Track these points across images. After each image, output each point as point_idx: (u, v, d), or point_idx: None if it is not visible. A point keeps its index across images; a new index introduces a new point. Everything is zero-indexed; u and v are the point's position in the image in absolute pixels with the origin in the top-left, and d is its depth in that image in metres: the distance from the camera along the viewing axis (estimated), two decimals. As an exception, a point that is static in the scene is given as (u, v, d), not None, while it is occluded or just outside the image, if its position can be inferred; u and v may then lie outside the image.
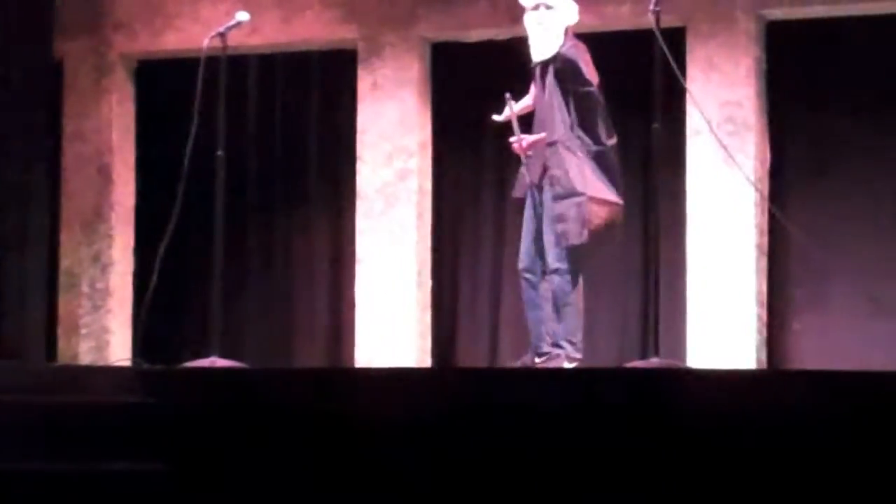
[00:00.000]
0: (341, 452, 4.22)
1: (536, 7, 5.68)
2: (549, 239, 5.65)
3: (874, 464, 3.89)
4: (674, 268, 6.99)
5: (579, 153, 5.59)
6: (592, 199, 5.57)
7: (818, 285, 6.99)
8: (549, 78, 5.64)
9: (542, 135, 5.68)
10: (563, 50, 5.62)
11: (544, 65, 5.68)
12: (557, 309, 5.63)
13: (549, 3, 5.65)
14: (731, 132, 7.00)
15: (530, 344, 5.84)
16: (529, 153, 5.76)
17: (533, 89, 5.84)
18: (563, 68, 5.61)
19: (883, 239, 6.94)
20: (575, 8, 5.73)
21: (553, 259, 5.63)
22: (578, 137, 5.59)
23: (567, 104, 5.61)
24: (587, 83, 5.59)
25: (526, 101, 5.90)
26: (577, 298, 5.64)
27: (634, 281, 7.25)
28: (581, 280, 5.67)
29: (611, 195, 5.61)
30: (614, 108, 6.93)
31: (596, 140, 5.61)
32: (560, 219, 5.58)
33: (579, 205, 5.54)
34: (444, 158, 7.71)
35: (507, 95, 5.80)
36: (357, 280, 7.59)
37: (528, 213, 5.79)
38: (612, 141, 5.67)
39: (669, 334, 6.74)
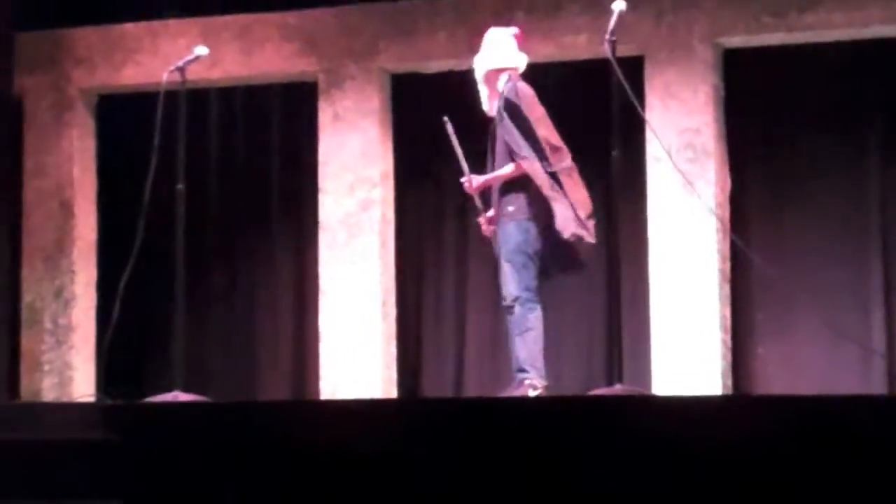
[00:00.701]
0: (306, 485, 4.19)
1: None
2: (505, 269, 5.71)
3: (837, 485, 3.89)
4: (637, 295, 7.01)
5: (532, 185, 5.63)
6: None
7: (781, 310, 7.02)
8: (499, 123, 5.77)
9: (492, 175, 5.82)
10: (505, 93, 5.76)
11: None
12: (517, 336, 5.65)
13: (479, 75, 5.88)
14: (691, 159, 7.03)
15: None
16: (476, 198, 5.91)
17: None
18: (505, 108, 5.74)
19: (843, 263, 6.97)
20: (513, 56, 5.84)
21: (512, 289, 5.66)
22: (532, 165, 5.63)
23: (516, 140, 5.68)
24: (526, 119, 5.69)
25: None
26: (536, 324, 5.65)
27: (599, 308, 7.26)
28: (540, 307, 5.68)
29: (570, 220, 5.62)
30: (575, 137, 6.95)
31: (546, 165, 5.66)
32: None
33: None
34: (406, 188, 7.71)
35: (445, 118, 5.88)
36: (321, 311, 7.56)
37: (495, 248, 5.84)
38: (563, 164, 5.68)
39: (634, 361, 6.75)
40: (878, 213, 6.96)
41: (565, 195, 5.63)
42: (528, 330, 5.65)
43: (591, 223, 5.65)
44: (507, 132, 5.73)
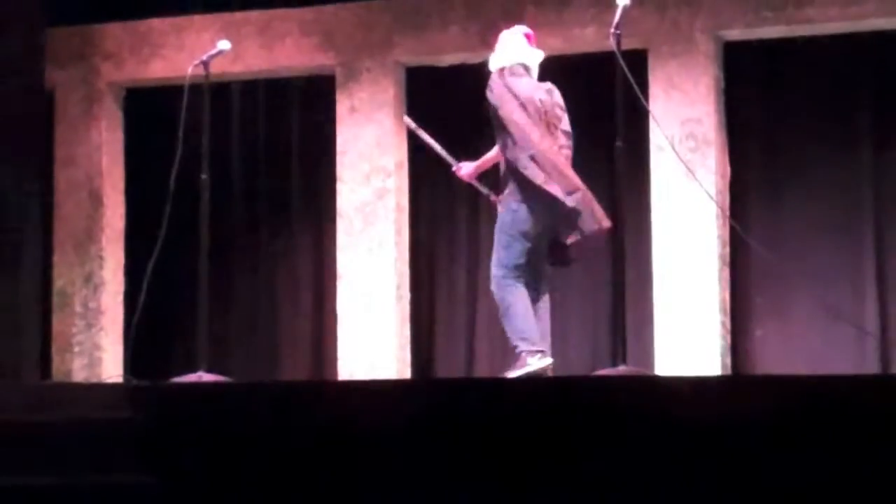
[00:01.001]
0: (324, 462, 4.20)
1: None
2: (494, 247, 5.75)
3: (833, 463, 3.90)
4: (640, 279, 7.00)
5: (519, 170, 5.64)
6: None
7: (778, 293, 7.01)
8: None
9: (479, 161, 5.94)
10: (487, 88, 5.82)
11: None
12: (501, 315, 5.66)
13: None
14: (693, 148, 7.02)
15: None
16: (474, 181, 5.99)
17: None
18: (484, 101, 5.81)
19: (837, 248, 6.96)
20: (512, 54, 5.79)
21: (491, 267, 5.70)
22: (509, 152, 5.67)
23: (495, 129, 5.74)
24: (496, 109, 5.72)
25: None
26: (516, 299, 5.61)
27: (604, 292, 7.25)
28: (520, 283, 5.62)
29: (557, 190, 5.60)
30: (581, 126, 6.94)
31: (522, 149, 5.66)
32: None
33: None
34: (419, 177, 7.70)
35: (405, 117, 6.05)
36: (339, 295, 7.57)
37: None
38: (538, 147, 5.65)
39: (637, 343, 6.75)
40: (872, 199, 6.95)
41: (557, 177, 5.59)
42: (509, 306, 5.61)
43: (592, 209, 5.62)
44: (492, 122, 5.78)
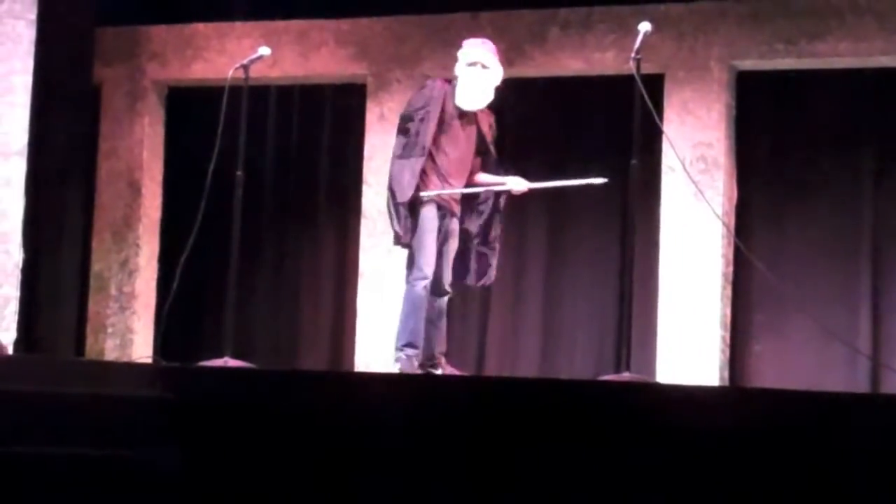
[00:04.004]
0: (338, 447, 4.22)
1: None
2: (451, 258, 5.89)
3: (823, 475, 3.90)
4: (647, 292, 7.00)
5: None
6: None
7: (777, 312, 7.00)
8: None
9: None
10: None
11: None
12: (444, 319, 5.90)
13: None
14: (703, 170, 7.03)
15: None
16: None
17: None
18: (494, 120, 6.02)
19: (836, 270, 6.95)
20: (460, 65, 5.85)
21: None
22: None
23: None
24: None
25: None
26: (405, 302, 5.73)
27: (611, 303, 7.26)
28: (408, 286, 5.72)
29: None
30: (597, 145, 6.96)
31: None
32: None
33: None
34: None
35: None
36: (359, 292, 7.59)
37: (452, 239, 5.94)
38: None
39: (641, 351, 6.75)
40: (870, 227, 6.93)
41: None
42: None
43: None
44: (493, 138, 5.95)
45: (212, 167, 5.81)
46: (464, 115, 5.82)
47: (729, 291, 7.07)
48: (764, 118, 7.22)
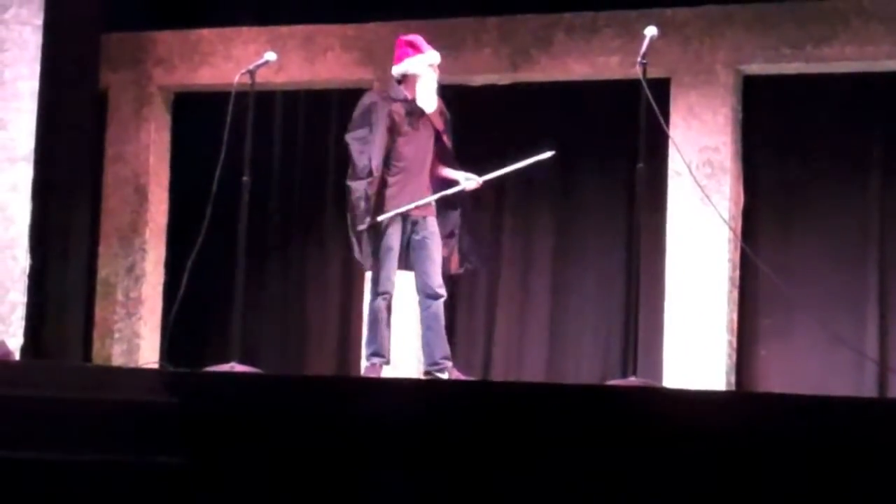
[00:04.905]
0: (345, 453, 4.23)
1: None
2: (437, 262, 5.92)
3: (830, 479, 3.90)
4: (653, 296, 7.00)
5: None
6: None
7: (783, 316, 7.00)
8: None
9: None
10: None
11: None
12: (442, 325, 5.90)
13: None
14: (709, 174, 7.03)
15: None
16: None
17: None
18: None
19: (842, 275, 6.95)
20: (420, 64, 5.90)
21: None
22: None
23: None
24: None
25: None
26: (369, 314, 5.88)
27: (617, 307, 7.26)
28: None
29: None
30: (604, 149, 6.96)
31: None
32: None
33: None
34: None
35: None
36: (365, 297, 7.58)
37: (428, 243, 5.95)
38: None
39: (648, 356, 6.75)
40: (877, 231, 6.93)
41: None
42: None
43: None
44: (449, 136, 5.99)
45: (218, 172, 5.82)
46: (416, 112, 5.84)
47: (735, 296, 7.07)
48: (770, 122, 7.22)
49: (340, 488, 4.19)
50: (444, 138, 5.92)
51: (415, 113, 5.84)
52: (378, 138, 5.75)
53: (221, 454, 4.29)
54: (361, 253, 5.79)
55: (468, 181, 5.90)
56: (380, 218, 5.77)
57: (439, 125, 5.92)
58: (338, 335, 7.85)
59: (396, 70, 5.95)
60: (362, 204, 5.72)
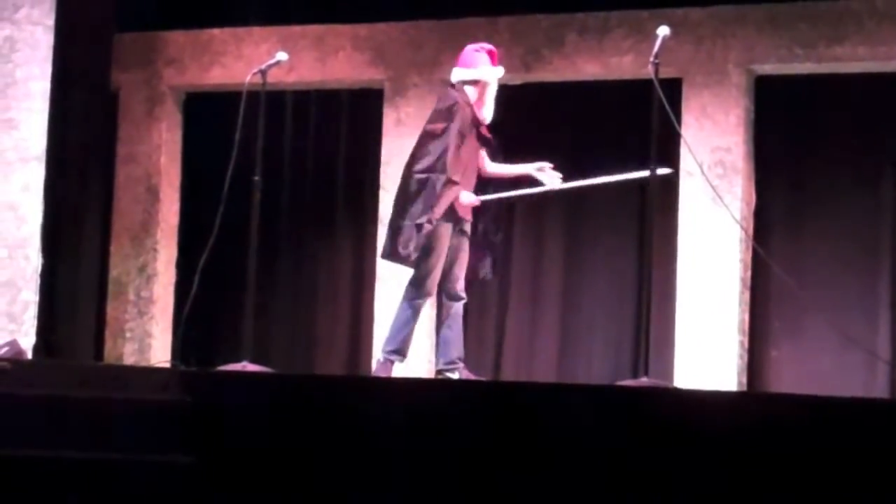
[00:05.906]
0: (356, 451, 4.24)
1: None
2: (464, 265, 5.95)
3: (842, 480, 3.90)
4: (665, 297, 7.00)
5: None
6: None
7: (795, 317, 6.99)
8: None
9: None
10: None
11: None
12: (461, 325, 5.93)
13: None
14: (721, 175, 7.03)
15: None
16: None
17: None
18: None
19: (855, 276, 6.94)
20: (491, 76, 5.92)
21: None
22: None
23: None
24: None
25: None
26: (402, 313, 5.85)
27: (629, 308, 7.26)
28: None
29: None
30: (616, 149, 6.94)
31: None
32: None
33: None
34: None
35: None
36: (377, 297, 7.61)
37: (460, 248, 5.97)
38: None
39: (659, 356, 6.75)
40: (890, 232, 6.92)
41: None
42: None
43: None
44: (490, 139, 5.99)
45: (229, 172, 5.83)
46: (475, 120, 5.87)
47: (747, 296, 7.06)
48: (783, 123, 7.21)
49: (351, 487, 4.21)
50: (489, 137, 5.93)
51: (474, 120, 5.86)
52: (453, 138, 5.73)
53: (233, 453, 4.31)
54: (408, 246, 5.68)
55: (552, 181, 5.88)
56: (483, 198, 5.83)
57: (486, 132, 5.95)
58: (348, 334, 7.87)
59: (468, 74, 5.90)
60: (433, 197, 5.66)
